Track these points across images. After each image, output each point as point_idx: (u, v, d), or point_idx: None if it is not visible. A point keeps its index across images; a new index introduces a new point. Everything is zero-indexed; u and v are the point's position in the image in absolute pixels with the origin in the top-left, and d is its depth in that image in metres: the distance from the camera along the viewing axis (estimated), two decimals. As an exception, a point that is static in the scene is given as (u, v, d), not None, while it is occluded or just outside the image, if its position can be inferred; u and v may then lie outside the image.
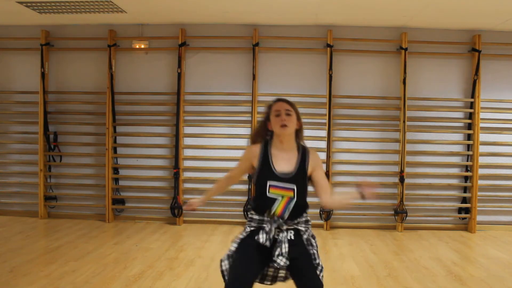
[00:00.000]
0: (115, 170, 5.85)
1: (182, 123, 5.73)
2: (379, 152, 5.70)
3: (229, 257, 2.29)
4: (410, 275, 3.84)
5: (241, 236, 2.31)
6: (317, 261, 2.27)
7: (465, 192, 5.69)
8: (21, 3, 4.92)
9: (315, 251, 2.29)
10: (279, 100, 2.36)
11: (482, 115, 5.59)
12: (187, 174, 5.80)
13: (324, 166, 5.49)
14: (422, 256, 4.43)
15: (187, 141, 5.80)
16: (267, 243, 2.20)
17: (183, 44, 5.65)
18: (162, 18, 5.57)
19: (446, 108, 5.69)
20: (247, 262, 2.22)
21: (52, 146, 5.83)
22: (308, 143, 2.50)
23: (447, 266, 4.10)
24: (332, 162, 5.62)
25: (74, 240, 4.76)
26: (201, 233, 5.26)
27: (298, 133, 2.38)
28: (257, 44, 5.61)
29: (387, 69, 5.71)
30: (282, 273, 2.30)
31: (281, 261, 2.17)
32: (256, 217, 2.30)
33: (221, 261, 2.30)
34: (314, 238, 2.33)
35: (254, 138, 2.44)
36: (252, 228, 2.29)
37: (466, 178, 5.69)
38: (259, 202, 2.30)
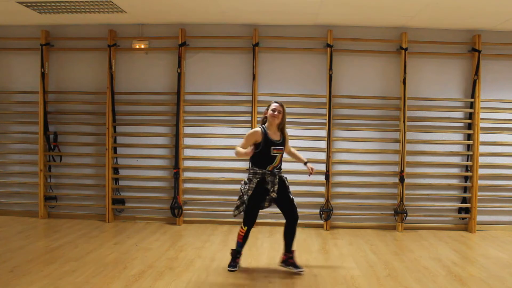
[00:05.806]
0: (115, 170, 5.85)
1: (182, 123, 5.73)
2: (379, 152, 5.70)
3: (241, 203, 3.84)
4: (410, 275, 3.84)
5: (252, 186, 3.79)
6: (289, 190, 3.92)
7: (465, 192, 5.69)
8: (21, 3, 4.92)
9: (288, 186, 3.93)
10: (276, 102, 3.91)
11: (482, 115, 5.59)
12: (187, 174, 5.80)
13: (324, 166, 5.52)
14: (422, 256, 4.42)
15: (187, 141, 5.80)
16: (273, 188, 3.77)
17: (183, 44, 5.65)
18: (162, 18, 5.57)
19: (446, 108, 5.69)
20: (259, 200, 3.83)
21: (52, 146, 5.83)
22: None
23: (447, 266, 4.09)
24: (332, 162, 5.61)
25: (74, 240, 4.76)
26: (201, 233, 5.25)
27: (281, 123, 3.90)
28: (257, 44, 5.61)
29: (387, 69, 5.71)
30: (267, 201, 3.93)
31: (273, 194, 3.78)
32: (259, 171, 3.78)
33: (237, 208, 3.88)
34: (286, 179, 3.94)
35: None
36: (258, 179, 3.78)
37: (466, 178, 5.69)
38: (265, 160, 3.77)
